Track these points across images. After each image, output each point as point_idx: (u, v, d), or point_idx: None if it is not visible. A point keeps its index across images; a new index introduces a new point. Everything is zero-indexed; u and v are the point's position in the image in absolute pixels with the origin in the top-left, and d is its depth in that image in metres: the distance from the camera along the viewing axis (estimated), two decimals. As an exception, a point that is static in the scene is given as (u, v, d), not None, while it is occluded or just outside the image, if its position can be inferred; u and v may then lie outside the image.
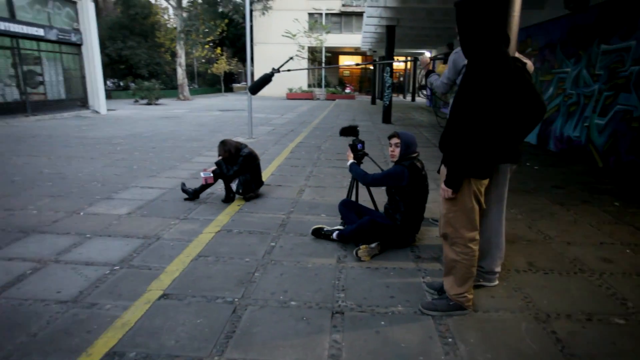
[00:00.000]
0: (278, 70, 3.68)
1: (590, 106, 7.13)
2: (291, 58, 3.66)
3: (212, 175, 4.65)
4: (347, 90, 32.06)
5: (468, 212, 2.26)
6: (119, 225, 3.93)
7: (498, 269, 2.75)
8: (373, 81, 26.25)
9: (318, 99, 28.90)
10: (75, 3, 14.95)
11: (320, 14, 31.77)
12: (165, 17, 32.40)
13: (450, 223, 2.30)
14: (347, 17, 34.63)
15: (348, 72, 38.19)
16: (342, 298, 2.62)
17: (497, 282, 2.78)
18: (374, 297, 2.64)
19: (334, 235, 3.49)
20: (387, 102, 13.10)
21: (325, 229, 3.57)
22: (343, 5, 34.04)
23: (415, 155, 3.33)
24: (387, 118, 13.16)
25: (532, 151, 8.30)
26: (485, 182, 2.29)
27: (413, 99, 29.19)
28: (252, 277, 2.88)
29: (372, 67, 36.74)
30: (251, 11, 30.15)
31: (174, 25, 28.15)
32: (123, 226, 3.90)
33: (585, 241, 3.62)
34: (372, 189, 3.75)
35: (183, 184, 4.80)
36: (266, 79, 3.71)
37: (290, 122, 13.63)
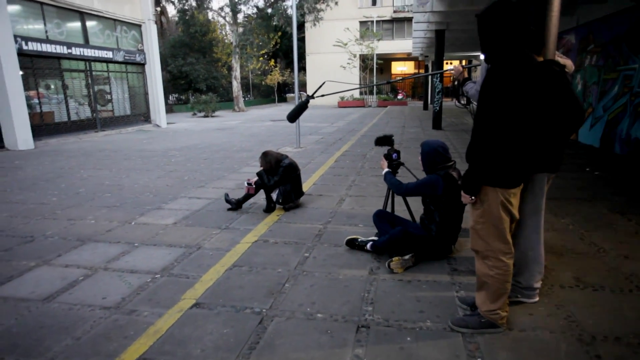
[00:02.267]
0: (313, 97, 3.74)
1: (661, 105, 6.51)
2: (323, 83, 3.70)
3: (254, 185, 4.78)
4: (399, 97, 31.65)
5: (496, 223, 2.14)
6: (165, 234, 4.14)
7: (537, 285, 2.58)
8: (425, 87, 25.71)
9: (370, 106, 28.79)
10: (140, 26, 16.05)
11: (372, 22, 31.71)
12: (222, 33, 33.94)
13: (480, 235, 2.20)
14: (398, 23, 34.29)
15: (400, 77, 37.69)
16: (370, 311, 2.58)
17: (537, 299, 2.60)
18: (402, 311, 2.57)
19: (368, 246, 3.45)
20: (437, 108, 12.77)
21: (359, 240, 3.54)
22: (394, 12, 33.75)
23: (450, 164, 3.22)
24: (437, 124, 12.83)
25: (594, 155, 7.72)
26: (515, 191, 2.16)
27: (468, 103, 28.19)
28: (282, 287, 2.92)
29: (422, 71, 36.04)
30: (303, 23, 30.82)
31: (230, 41, 29.37)
32: (168, 236, 4.11)
33: (647, 255, 3.30)
34: (409, 199, 3.67)
35: (226, 195, 4.97)
36: (302, 107, 3.80)
37: (339, 130, 13.69)
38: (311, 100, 3.96)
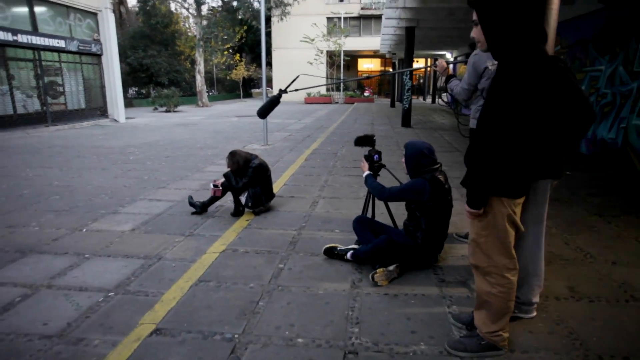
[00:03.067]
0: (285, 91, 3.41)
1: (628, 106, 6.60)
2: (297, 77, 3.38)
3: (220, 188, 4.41)
4: (366, 94, 31.71)
5: (501, 236, 1.91)
6: (121, 243, 3.71)
7: (536, 299, 2.38)
8: (392, 84, 25.79)
9: (337, 102, 28.63)
10: (96, 14, 15.10)
11: (339, 18, 31.53)
12: (186, 25, 32.80)
13: (482, 250, 1.96)
14: (365, 20, 34.31)
15: (367, 74, 37.78)
16: (356, 334, 2.30)
17: (535, 314, 2.41)
18: (392, 333, 2.31)
19: (348, 255, 3.17)
20: (407, 105, 12.70)
21: (338, 248, 3.26)
22: (362, 9, 33.75)
23: (436, 166, 2.99)
24: (406, 121, 12.76)
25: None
26: (520, 201, 1.94)
27: (433, 101, 28.59)
28: (256, 306, 2.59)
29: (390, 69, 36.26)
30: (269, 17, 30.23)
31: (194, 34, 28.39)
32: (125, 244, 3.68)
33: (633, 260, 3.19)
34: (390, 203, 3.42)
35: (190, 197, 4.56)
36: (274, 102, 3.44)
37: (307, 127, 13.38)
38: (269, 114, 3.63)
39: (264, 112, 3.55)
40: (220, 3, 27.33)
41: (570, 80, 1.92)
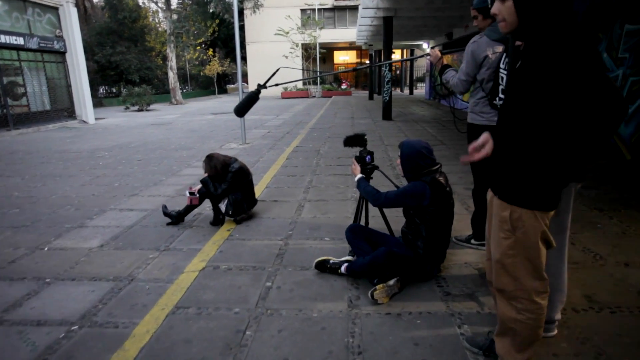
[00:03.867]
0: (265, 86, 3.06)
1: (613, 93, 6.49)
2: (277, 70, 3.04)
3: (197, 195, 4.04)
4: (344, 87, 31.40)
5: (533, 256, 1.64)
6: (88, 263, 3.32)
7: (558, 317, 2.14)
8: (370, 76, 25.55)
9: (314, 96, 28.25)
10: (57, 9, 14.29)
11: (313, 10, 31.04)
12: (155, 20, 31.76)
13: (508, 271, 1.68)
14: (340, 12, 33.92)
15: (343, 67, 37.45)
16: (360, 366, 2.01)
17: (556, 331, 2.17)
18: (400, 363, 2.02)
19: (342, 268, 2.88)
20: (387, 98, 12.45)
21: (331, 262, 2.96)
22: (336, 0, 33.32)
23: (436, 167, 2.71)
24: (387, 114, 12.52)
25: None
26: (553, 213, 1.67)
27: (411, 92, 28.54)
28: (243, 337, 2.26)
29: (367, 61, 36.03)
30: (242, 10, 29.51)
31: (164, 28, 27.47)
32: (92, 264, 3.29)
33: (646, 261, 3.00)
34: (386, 208, 3.13)
35: (164, 207, 4.18)
36: (252, 98, 3.08)
37: (286, 123, 13.00)
38: (247, 112, 3.28)
39: (241, 110, 3.19)
40: (190, -4, 26.51)
41: (602, 67, 1.65)
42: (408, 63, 31.14)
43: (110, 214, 4.53)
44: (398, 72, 34.64)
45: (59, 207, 4.80)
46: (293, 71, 28.81)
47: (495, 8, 1.55)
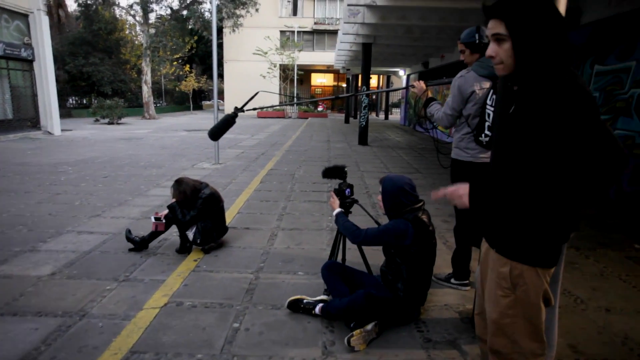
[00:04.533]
0: (242, 110, 2.89)
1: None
2: (256, 94, 2.88)
3: (163, 221, 3.79)
4: (320, 109, 31.58)
5: (532, 316, 1.50)
6: (35, 294, 3.00)
7: (547, 373, 2.00)
8: (347, 100, 25.79)
9: (290, 117, 28.24)
10: (26, 16, 13.80)
11: (293, 32, 31.35)
12: (132, 33, 31.30)
13: (506, 332, 1.54)
14: (319, 35, 34.41)
15: (320, 90, 37.80)
16: None
17: (544, 388, 2.03)
18: None
19: (317, 309, 2.68)
20: (364, 123, 12.49)
21: (305, 301, 2.75)
22: (315, 23, 33.83)
23: (419, 205, 2.58)
24: (363, 139, 12.54)
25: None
26: (553, 270, 1.55)
27: (386, 117, 28.95)
28: (204, 391, 2.03)
29: (344, 85, 36.47)
30: (221, 28, 29.49)
31: (141, 42, 27.07)
32: (39, 296, 2.97)
33: (626, 306, 2.94)
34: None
35: (128, 231, 3.89)
36: (228, 121, 2.90)
37: (261, 143, 12.81)
38: (230, 110, 3.10)
39: (216, 134, 2.98)
40: (169, 11, 26.24)
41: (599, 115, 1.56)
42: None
43: (67, 237, 4.19)
44: (374, 97, 35.16)
45: (9, 227, 4.42)
46: (271, 94, 28.83)
47: (492, 50, 1.43)
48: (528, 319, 1.49)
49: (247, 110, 2.95)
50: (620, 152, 1.47)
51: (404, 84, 22.40)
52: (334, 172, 2.87)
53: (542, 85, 1.34)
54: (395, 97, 32.94)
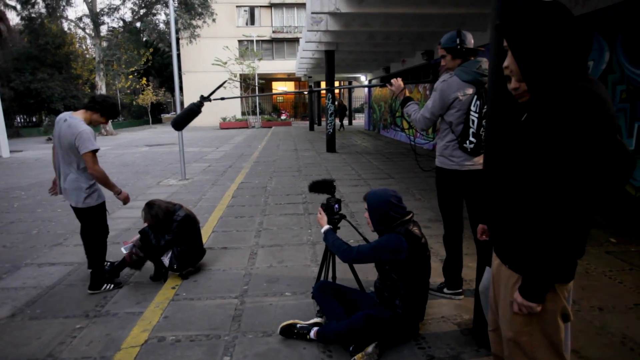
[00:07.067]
0: (208, 99, 2.72)
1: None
2: (224, 82, 2.73)
3: (135, 251, 3.52)
4: (283, 117, 31.42)
5: (551, 333, 1.43)
6: (-6, 342, 2.68)
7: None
8: (310, 107, 25.76)
9: (253, 127, 27.90)
10: (-34, 32, 12.91)
11: (251, 41, 31.09)
12: (82, 46, 30.06)
13: (524, 350, 1.46)
14: (278, 44, 34.32)
15: (282, 98, 37.64)
16: None
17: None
18: None
19: (312, 333, 2.53)
20: (331, 130, 12.45)
21: (298, 326, 2.60)
22: (273, 32, 33.72)
23: (408, 217, 2.49)
24: (331, 147, 12.48)
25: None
26: (571, 283, 1.48)
27: (350, 123, 29.14)
28: None
29: (306, 92, 36.50)
30: (178, 39, 28.81)
31: (93, 56, 26.01)
32: (-1, 343, 2.66)
33: (616, 303, 2.96)
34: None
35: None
36: (193, 111, 2.71)
37: (227, 155, 12.51)
38: (186, 126, 2.91)
39: (179, 123, 2.78)
40: (121, 23, 25.36)
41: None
42: (346, 94, 31.97)
43: (25, 271, 3.83)
44: (336, 103, 35.38)
45: (-40, 265, 4.01)
46: (235, 92, 28.27)
47: (505, 61, 1.41)
48: (546, 335, 1.42)
49: (213, 99, 2.79)
50: (629, 157, 1.44)
51: (365, 91, 22.63)
52: (321, 186, 2.74)
53: (552, 94, 1.30)
54: (358, 102, 33.26)
